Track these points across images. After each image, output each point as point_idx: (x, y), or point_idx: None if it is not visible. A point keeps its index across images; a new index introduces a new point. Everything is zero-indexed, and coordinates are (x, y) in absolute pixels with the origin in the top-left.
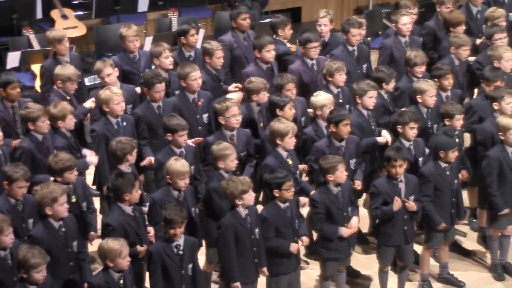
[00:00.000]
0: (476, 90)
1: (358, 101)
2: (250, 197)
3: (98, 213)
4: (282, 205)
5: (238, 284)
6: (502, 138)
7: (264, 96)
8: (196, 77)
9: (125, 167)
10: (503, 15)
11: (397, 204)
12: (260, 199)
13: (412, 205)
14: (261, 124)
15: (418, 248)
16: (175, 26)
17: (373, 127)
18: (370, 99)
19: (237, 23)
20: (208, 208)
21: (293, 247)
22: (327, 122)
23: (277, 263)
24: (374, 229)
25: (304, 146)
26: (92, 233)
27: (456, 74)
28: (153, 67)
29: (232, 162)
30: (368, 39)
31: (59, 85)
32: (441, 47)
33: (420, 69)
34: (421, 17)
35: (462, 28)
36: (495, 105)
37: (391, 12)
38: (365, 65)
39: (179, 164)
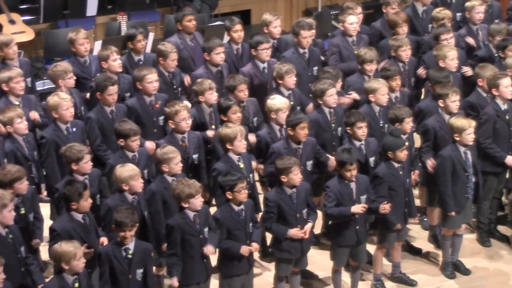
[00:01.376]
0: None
1: (320, 101)
2: (197, 201)
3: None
4: (236, 208)
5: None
6: (457, 138)
7: (210, 97)
8: (152, 79)
9: (79, 174)
10: (448, 16)
11: (359, 207)
12: (214, 202)
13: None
14: (213, 126)
15: (370, 248)
16: (124, 30)
17: (332, 126)
18: (331, 97)
19: (182, 25)
20: (152, 210)
21: (244, 249)
22: (286, 125)
23: (229, 265)
24: (327, 229)
25: (259, 148)
26: (37, 240)
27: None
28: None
29: (176, 166)
30: (319, 40)
31: (4, 88)
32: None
33: (370, 67)
34: (370, 18)
35: (403, 29)
36: (441, 103)
37: (339, 14)
38: (316, 68)
39: (127, 169)
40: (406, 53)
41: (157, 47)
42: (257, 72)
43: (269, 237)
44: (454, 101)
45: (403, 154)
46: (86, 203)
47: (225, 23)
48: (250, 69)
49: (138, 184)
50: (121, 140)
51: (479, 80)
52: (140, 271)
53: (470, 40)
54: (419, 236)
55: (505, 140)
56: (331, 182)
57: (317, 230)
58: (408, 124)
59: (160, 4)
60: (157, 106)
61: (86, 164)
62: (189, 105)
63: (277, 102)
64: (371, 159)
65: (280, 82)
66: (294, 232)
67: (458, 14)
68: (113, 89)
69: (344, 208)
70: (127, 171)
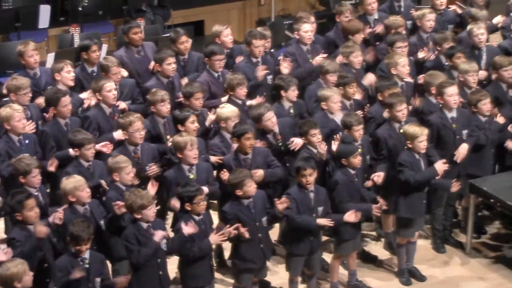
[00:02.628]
0: None
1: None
2: (150, 212)
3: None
4: (196, 218)
5: None
6: (410, 146)
7: (162, 108)
8: (111, 87)
9: (28, 187)
10: (402, 24)
11: (323, 221)
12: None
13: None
14: (168, 137)
15: (327, 256)
16: (77, 42)
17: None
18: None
19: (129, 38)
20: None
21: (213, 238)
22: (231, 135)
23: (192, 276)
24: (282, 238)
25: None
26: None
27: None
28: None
29: (127, 175)
30: (272, 50)
31: None
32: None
33: (333, 78)
34: (323, 27)
35: (360, 36)
36: (388, 112)
37: (293, 23)
38: (270, 76)
39: (71, 180)
40: (358, 59)
41: (99, 62)
42: (213, 80)
43: (227, 249)
44: (400, 110)
45: (357, 160)
46: (31, 213)
47: (170, 35)
48: (206, 77)
49: (84, 195)
50: (76, 149)
51: (432, 88)
52: (98, 280)
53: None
54: (374, 243)
55: (451, 148)
56: (291, 189)
57: (273, 238)
58: (357, 131)
59: (113, 15)
60: (116, 118)
61: (35, 178)
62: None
63: (226, 110)
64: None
65: (231, 93)
66: (214, 237)
67: (408, 22)
68: (65, 100)
69: (310, 218)
70: (71, 182)
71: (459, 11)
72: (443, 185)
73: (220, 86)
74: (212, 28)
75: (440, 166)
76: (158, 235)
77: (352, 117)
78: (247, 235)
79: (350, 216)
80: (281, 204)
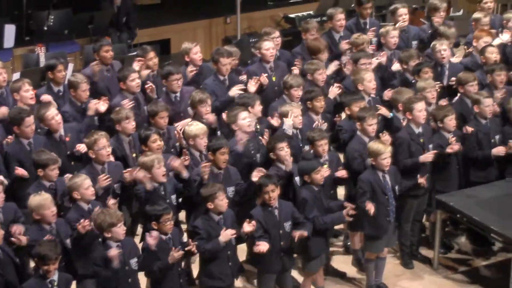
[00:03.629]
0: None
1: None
2: (119, 230)
3: None
4: (164, 237)
5: None
6: (373, 163)
7: (128, 125)
8: (52, 115)
9: None
10: (366, 41)
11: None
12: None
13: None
14: (134, 155)
15: (295, 273)
16: (43, 62)
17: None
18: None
19: (100, 56)
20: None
21: (172, 257)
22: (207, 150)
23: None
24: (252, 257)
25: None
26: None
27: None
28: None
29: (87, 190)
30: (239, 67)
31: None
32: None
33: (297, 92)
34: (288, 45)
35: (324, 55)
36: (359, 126)
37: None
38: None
39: (38, 198)
40: (322, 76)
41: (68, 79)
42: (168, 103)
43: (195, 268)
44: (371, 124)
45: (319, 176)
46: None
47: (137, 52)
48: (162, 99)
49: (50, 214)
50: (40, 170)
51: (399, 104)
52: None
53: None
54: (343, 259)
55: (422, 163)
56: (255, 210)
57: (242, 257)
58: (321, 146)
59: (78, 35)
60: (68, 139)
61: None
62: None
63: (194, 128)
64: (297, 178)
65: (194, 110)
66: (225, 234)
67: (374, 40)
68: (29, 120)
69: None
70: (37, 200)
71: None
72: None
73: (176, 107)
74: (178, 46)
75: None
76: (112, 252)
77: (316, 132)
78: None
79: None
80: (248, 226)
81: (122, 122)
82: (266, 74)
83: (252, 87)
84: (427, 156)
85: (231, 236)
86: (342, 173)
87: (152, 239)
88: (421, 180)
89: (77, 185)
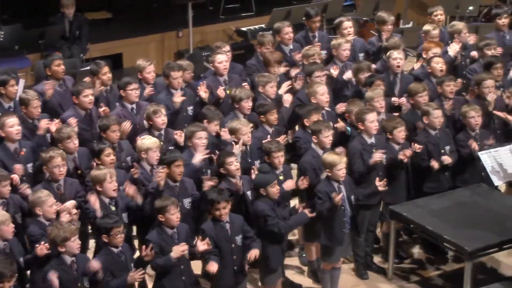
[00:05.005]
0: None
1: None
2: (74, 244)
3: None
4: (115, 250)
5: None
6: (329, 174)
7: (70, 144)
8: (13, 123)
9: None
10: (318, 53)
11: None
12: None
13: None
14: (79, 172)
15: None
16: None
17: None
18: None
19: (51, 71)
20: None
21: (132, 277)
22: (161, 162)
23: None
24: (205, 272)
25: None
26: None
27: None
28: None
29: (50, 208)
30: (193, 81)
31: None
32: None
33: (247, 104)
34: (241, 58)
35: (280, 68)
36: (314, 139)
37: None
38: (190, 107)
39: None
40: (273, 89)
41: (19, 95)
42: (125, 113)
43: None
44: (327, 136)
45: (275, 190)
46: None
47: (91, 67)
48: (118, 110)
49: (7, 230)
50: None
51: (346, 115)
52: None
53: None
54: (298, 271)
55: (374, 173)
56: (206, 224)
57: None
58: (277, 158)
59: (29, 50)
60: (23, 154)
61: None
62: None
63: (147, 142)
64: (248, 193)
65: (151, 123)
66: (177, 249)
67: (323, 52)
68: None
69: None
70: None
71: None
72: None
73: (133, 119)
74: (130, 61)
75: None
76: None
77: (272, 143)
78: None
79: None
80: (202, 245)
81: (64, 141)
82: (223, 87)
83: (203, 93)
84: (376, 155)
85: (182, 253)
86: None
87: (94, 265)
88: (379, 183)
89: (41, 201)
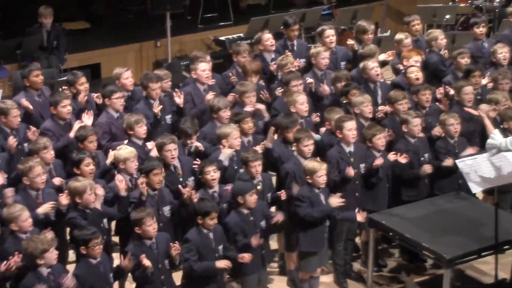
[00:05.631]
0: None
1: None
2: (52, 255)
3: None
4: (94, 261)
5: None
6: (310, 181)
7: (46, 155)
8: None
9: None
10: (291, 62)
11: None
12: None
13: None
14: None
15: None
16: None
17: (180, 179)
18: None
19: (30, 81)
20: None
21: None
22: (140, 172)
23: None
24: (186, 280)
25: (113, 199)
26: None
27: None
28: None
29: (25, 223)
30: (169, 90)
31: None
32: None
33: (225, 113)
34: (219, 67)
35: (257, 77)
36: (295, 147)
37: (190, 63)
38: (168, 116)
39: None
40: (250, 99)
41: None
42: (113, 121)
43: None
44: (307, 145)
45: (253, 199)
46: None
47: (67, 78)
48: (105, 118)
49: None
50: None
51: (327, 123)
52: None
53: (324, 88)
54: (278, 279)
55: (350, 183)
56: (190, 234)
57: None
58: (254, 167)
59: (7, 60)
60: None
61: None
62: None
63: (124, 152)
64: (224, 206)
65: (131, 132)
66: (146, 261)
67: (302, 60)
68: None
69: (208, 263)
70: None
71: (356, 47)
72: (349, 217)
73: (120, 127)
74: (108, 70)
75: (334, 200)
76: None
77: (249, 153)
78: (148, 263)
79: (244, 258)
80: (175, 250)
81: (40, 152)
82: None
83: (178, 98)
84: (350, 170)
85: (147, 265)
86: (282, 193)
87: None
88: (335, 201)
89: (14, 217)
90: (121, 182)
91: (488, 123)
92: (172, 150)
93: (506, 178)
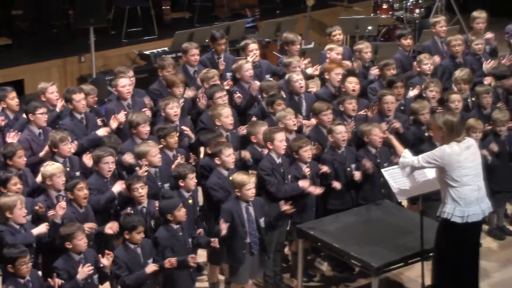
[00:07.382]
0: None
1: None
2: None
3: None
4: (22, 280)
5: None
6: (238, 194)
7: (20, 160)
8: None
9: None
10: (216, 74)
11: (151, 267)
12: None
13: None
14: None
15: None
16: None
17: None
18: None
19: None
20: None
21: None
22: (65, 190)
23: None
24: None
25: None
26: None
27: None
28: None
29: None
30: (95, 106)
31: None
32: None
33: (145, 129)
34: (145, 81)
35: (180, 90)
36: (217, 160)
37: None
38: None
39: None
40: (174, 110)
41: None
42: (34, 138)
43: None
44: (228, 155)
45: (181, 213)
46: None
47: None
48: (26, 135)
49: None
50: None
51: (252, 137)
52: None
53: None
54: None
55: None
56: (118, 251)
57: None
58: (192, 180)
59: None
60: None
61: None
62: None
63: (50, 168)
64: (152, 222)
65: (55, 150)
66: (82, 271)
67: (228, 74)
68: None
69: (138, 273)
70: None
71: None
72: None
73: (42, 143)
74: (32, 86)
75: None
76: None
77: (185, 166)
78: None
79: (171, 262)
80: (107, 260)
81: (15, 157)
82: (125, 112)
83: (114, 124)
84: (305, 183)
85: (88, 273)
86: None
87: None
88: (285, 207)
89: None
90: (62, 209)
91: (396, 143)
92: (110, 163)
93: (426, 187)
